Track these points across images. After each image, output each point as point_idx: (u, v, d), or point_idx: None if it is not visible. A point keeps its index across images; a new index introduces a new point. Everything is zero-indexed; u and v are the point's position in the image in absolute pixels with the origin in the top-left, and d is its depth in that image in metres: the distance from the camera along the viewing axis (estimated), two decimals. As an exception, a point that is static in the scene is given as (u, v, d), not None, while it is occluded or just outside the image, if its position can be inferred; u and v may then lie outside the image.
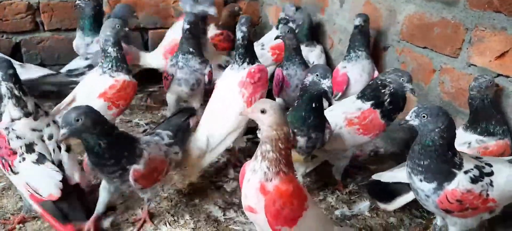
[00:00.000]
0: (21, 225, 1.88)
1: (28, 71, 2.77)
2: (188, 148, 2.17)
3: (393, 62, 2.58)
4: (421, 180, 1.62)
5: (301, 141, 1.95)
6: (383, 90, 2.07)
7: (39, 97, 2.68)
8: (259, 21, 3.96)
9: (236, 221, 1.96)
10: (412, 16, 2.40)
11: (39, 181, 1.77)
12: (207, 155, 2.20)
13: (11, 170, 1.79)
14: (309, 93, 1.89)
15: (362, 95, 2.13)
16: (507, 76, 1.94)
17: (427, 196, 1.63)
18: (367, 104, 2.10)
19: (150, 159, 1.75)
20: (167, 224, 1.91)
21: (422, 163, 1.59)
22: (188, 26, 2.50)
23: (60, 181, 1.76)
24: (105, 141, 1.63)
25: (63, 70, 2.87)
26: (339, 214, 2.03)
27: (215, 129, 2.20)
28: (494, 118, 1.93)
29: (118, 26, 2.27)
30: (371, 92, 2.11)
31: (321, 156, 2.24)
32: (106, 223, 1.91)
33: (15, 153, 1.78)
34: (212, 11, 2.87)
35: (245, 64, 2.24)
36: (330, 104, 2.55)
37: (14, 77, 1.82)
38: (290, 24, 2.99)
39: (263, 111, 1.43)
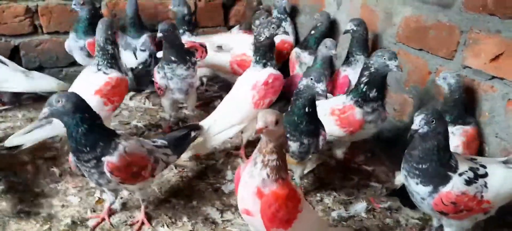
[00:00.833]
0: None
1: None
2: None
3: (390, 64, 2.59)
4: (417, 184, 1.63)
5: (293, 146, 1.96)
6: (364, 73, 2.09)
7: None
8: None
9: (233, 223, 1.97)
10: (408, 19, 2.42)
11: None
12: (206, 139, 2.33)
13: None
14: (302, 99, 1.91)
15: (351, 91, 2.17)
16: (502, 79, 1.96)
17: (422, 198, 1.65)
18: (350, 101, 2.13)
19: (126, 152, 1.76)
20: (165, 225, 1.93)
21: (420, 166, 1.61)
22: (161, 35, 2.44)
23: None
24: (84, 128, 1.67)
25: None
26: (336, 215, 2.04)
27: (220, 118, 2.35)
28: (465, 109, 2.05)
29: (113, 25, 2.36)
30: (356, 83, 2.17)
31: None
32: (105, 224, 1.93)
33: None
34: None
35: (263, 66, 2.33)
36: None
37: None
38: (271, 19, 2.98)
39: (277, 122, 1.39)
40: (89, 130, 1.69)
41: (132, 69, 3.17)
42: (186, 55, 2.57)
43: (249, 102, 2.32)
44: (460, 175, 1.60)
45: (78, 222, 1.94)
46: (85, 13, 2.92)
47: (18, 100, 3.03)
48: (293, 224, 1.50)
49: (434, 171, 1.60)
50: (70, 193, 2.13)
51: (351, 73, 2.56)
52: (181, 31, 3.00)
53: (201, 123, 2.37)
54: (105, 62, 2.33)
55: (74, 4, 2.92)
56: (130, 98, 3.17)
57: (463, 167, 1.62)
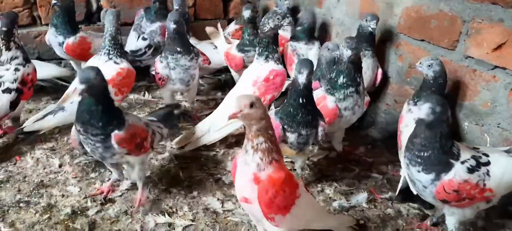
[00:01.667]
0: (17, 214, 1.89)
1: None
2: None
3: (391, 55, 2.58)
4: (419, 171, 1.63)
5: (292, 137, 1.96)
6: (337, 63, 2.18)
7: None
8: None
9: (234, 212, 1.96)
10: (409, 9, 2.41)
11: None
12: (206, 135, 2.39)
13: None
14: (295, 90, 1.90)
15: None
16: (504, 68, 1.95)
17: (424, 186, 1.64)
18: (323, 92, 2.16)
19: (130, 124, 1.84)
20: (166, 215, 1.92)
21: (422, 154, 1.60)
22: (174, 26, 2.47)
23: None
24: (104, 104, 1.76)
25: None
26: (337, 205, 2.03)
27: (221, 114, 2.38)
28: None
29: (120, 16, 2.42)
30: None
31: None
32: (106, 214, 1.92)
33: None
34: None
35: (265, 59, 2.33)
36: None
37: None
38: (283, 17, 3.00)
39: (252, 105, 1.40)
40: (108, 107, 1.77)
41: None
42: (190, 46, 2.57)
43: None
44: (463, 163, 1.59)
45: (78, 212, 1.93)
46: (64, 8, 2.91)
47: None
48: (291, 210, 1.50)
49: (436, 158, 1.59)
50: (70, 183, 2.12)
51: None
52: None
53: (204, 120, 2.46)
54: (116, 52, 2.39)
55: (55, 1, 2.90)
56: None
57: (465, 155, 1.62)
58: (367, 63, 2.51)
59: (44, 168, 2.23)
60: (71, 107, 2.21)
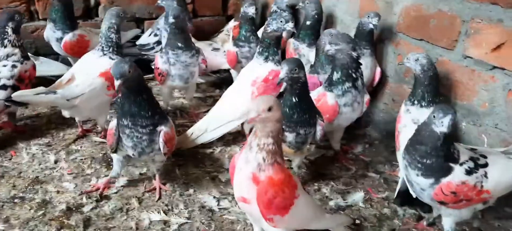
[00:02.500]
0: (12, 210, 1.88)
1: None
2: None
3: (389, 54, 2.57)
4: (418, 175, 1.62)
5: (290, 136, 1.95)
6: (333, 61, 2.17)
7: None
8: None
9: (230, 211, 1.95)
10: (408, 8, 2.39)
11: None
12: (203, 134, 2.39)
13: None
14: (289, 90, 1.89)
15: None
16: (503, 69, 1.94)
17: (422, 189, 1.64)
18: (323, 89, 2.16)
19: (172, 126, 1.95)
20: (162, 212, 1.91)
21: (425, 161, 1.58)
22: (174, 20, 2.45)
23: None
24: (146, 95, 1.83)
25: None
26: (333, 204, 2.03)
27: (219, 113, 2.39)
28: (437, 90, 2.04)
29: (121, 15, 2.39)
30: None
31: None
32: (101, 211, 1.91)
33: None
34: None
35: (265, 59, 2.33)
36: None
37: None
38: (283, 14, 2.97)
39: (270, 109, 1.39)
40: (148, 97, 1.85)
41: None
42: (191, 43, 2.55)
43: (248, 98, 2.31)
44: (461, 164, 1.58)
45: (73, 208, 1.91)
46: (62, 3, 2.90)
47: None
48: (290, 210, 1.49)
49: (439, 166, 1.58)
50: (66, 179, 2.11)
51: None
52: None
53: (201, 120, 2.47)
54: (110, 49, 2.37)
55: None
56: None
57: (463, 156, 1.61)
58: (366, 61, 2.50)
59: (40, 164, 2.22)
60: (62, 93, 2.22)
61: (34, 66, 2.44)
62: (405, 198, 1.89)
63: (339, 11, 2.97)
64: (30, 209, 1.90)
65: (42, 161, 2.25)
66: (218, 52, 3.10)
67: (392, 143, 2.27)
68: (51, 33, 2.95)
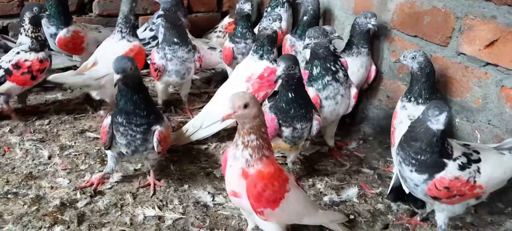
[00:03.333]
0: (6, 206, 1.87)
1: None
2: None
3: (384, 50, 2.58)
4: (411, 171, 1.62)
5: (286, 131, 1.96)
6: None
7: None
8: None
9: (225, 206, 1.95)
10: (403, 5, 2.40)
11: None
12: (198, 131, 2.38)
13: None
14: (285, 85, 1.90)
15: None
16: (496, 65, 1.96)
17: (416, 185, 1.64)
18: (305, 85, 2.15)
19: (167, 125, 1.95)
20: (156, 208, 1.91)
21: (419, 157, 1.59)
22: (163, 13, 2.44)
23: None
24: (143, 94, 1.84)
25: None
26: (327, 200, 2.03)
27: (213, 110, 2.38)
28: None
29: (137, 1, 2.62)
30: None
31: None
32: (95, 207, 1.91)
33: None
34: None
35: (260, 57, 2.35)
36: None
37: None
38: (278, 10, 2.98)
39: (246, 106, 1.41)
40: (145, 97, 1.85)
41: None
42: (187, 38, 2.55)
43: None
44: (454, 160, 1.60)
45: (67, 204, 1.91)
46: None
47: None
48: (280, 204, 1.50)
49: (433, 162, 1.59)
50: (59, 175, 2.10)
51: (349, 63, 2.49)
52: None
53: (196, 117, 2.47)
54: (128, 31, 2.57)
55: None
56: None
57: (457, 152, 1.62)
58: (362, 61, 2.51)
59: (33, 160, 2.21)
60: (89, 74, 2.47)
61: (40, 60, 2.46)
62: (399, 193, 1.90)
63: (334, 8, 2.98)
64: (23, 205, 1.88)
65: (36, 156, 2.24)
66: (214, 51, 3.09)
67: (386, 139, 2.29)
68: (45, 28, 2.92)
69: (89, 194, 1.97)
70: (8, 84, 2.43)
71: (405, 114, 2.03)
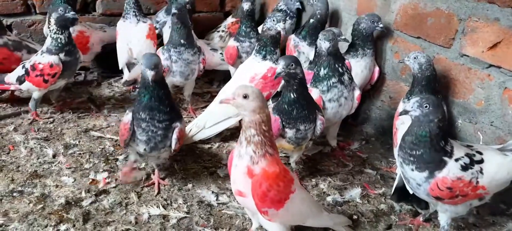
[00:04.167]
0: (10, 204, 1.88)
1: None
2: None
3: (387, 51, 2.59)
4: (412, 170, 1.64)
5: (290, 133, 1.97)
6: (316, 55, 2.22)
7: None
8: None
9: (229, 206, 1.97)
10: (406, 6, 2.41)
11: None
12: (202, 131, 2.40)
13: None
14: (287, 86, 1.91)
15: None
16: (499, 67, 1.97)
17: (418, 184, 1.66)
18: (309, 85, 2.17)
19: (185, 124, 2.04)
20: (161, 207, 1.92)
21: (414, 153, 1.61)
22: (176, 12, 2.44)
23: None
24: (165, 90, 1.89)
25: None
26: (330, 200, 2.05)
27: (216, 110, 2.39)
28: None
29: None
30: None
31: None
32: (100, 205, 1.92)
33: None
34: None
35: (263, 57, 2.35)
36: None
37: None
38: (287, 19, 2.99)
39: (245, 97, 1.44)
40: (168, 94, 1.90)
41: None
42: (193, 40, 2.57)
43: None
44: (456, 160, 1.61)
45: (73, 202, 1.92)
46: None
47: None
48: (285, 205, 1.51)
49: (429, 156, 1.60)
50: (64, 173, 2.11)
51: (353, 65, 2.49)
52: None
53: (199, 117, 2.47)
54: (140, 13, 2.87)
55: None
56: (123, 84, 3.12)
57: (459, 152, 1.63)
58: (366, 62, 2.52)
59: (38, 158, 2.22)
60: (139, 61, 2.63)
61: (50, 65, 2.40)
62: (402, 194, 1.91)
63: (337, 8, 2.98)
64: (29, 203, 1.90)
65: (40, 155, 2.25)
66: (215, 52, 3.10)
67: (388, 140, 2.30)
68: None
69: (94, 193, 1.99)
70: (27, 84, 2.48)
71: (406, 115, 2.04)
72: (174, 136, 1.91)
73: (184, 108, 2.86)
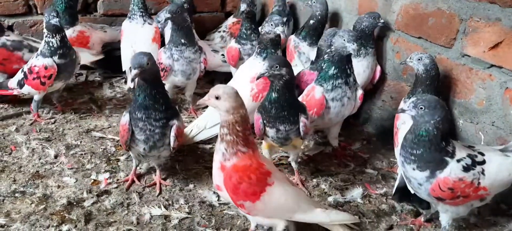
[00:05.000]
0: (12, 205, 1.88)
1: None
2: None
3: (388, 51, 2.59)
4: (414, 169, 1.64)
5: (271, 132, 1.98)
6: (324, 54, 2.18)
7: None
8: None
9: (230, 206, 1.97)
10: (407, 6, 2.41)
11: None
12: (202, 131, 2.43)
13: None
14: (272, 86, 1.91)
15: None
16: (500, 67, 1.96)
17: (419, 184, 1.66)
18: (314, 83, 2.19)
19: (183, 122, 2.01)
20: (162, 207, 1.92)
21: (415, 152, 1.62)
22: (169, 16, 2.45)
23: None
24: (160, 89, 1.88)
25: None
26: (332, 200, 2.05)
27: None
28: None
29: None
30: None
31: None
32: (102, 206, 1.92)
33: None
34: None
35: (264, 60, 2.32)
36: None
37: None
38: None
39: (217, 98, 1.50)
40: (163, 92, 1.89)
41: None
42: (194, 39, 2.57)
43: (247, 95, 2.32)
44: (458, 161, 1.61)
45: (74, 203, 1.92)
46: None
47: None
48: (261, 197, 1.54)
49: (429, 156, 1.60)
50: (66, 174, 2.12)
51: (355, 65, 2.43)
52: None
53: (200, 117, 2.48)
54: (146, 14, 2.85)
55: None
56: (125, 82, 3.13)
57: (461, 153, 1.63)
58: (368, 61, 2.52)
59: (40, 159, 2.23)
60: None
61: (45, 67, 2.41)
62: (403, 194, 1.91)
63: (338, 8, 2.99)
64: (31, 204, 1.90)
65: (42, 155, 2.25)
66: (216, 53, 3.11)
67: (389, 140, 2.30)
68: None
69: (95, 193, 1.99)
70: (26, 88, 2.49)
71: (407, 115, 2.04)
72: (172, 134, 1.91)
73: (185, 108, 2.87)
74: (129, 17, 2.89)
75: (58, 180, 2.07)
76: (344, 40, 2.06)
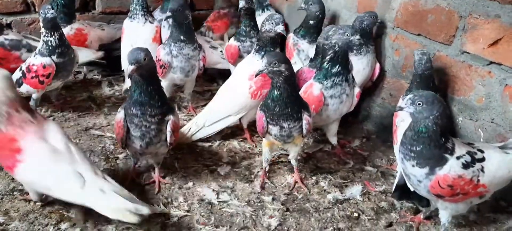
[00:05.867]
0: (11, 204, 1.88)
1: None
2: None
3: (387, 49, 2.59)
4: (413, 166, 1.64)
5: (274, 130, 1.96)
6: (328, 52, 2.14)
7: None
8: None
9: (230, 204, 1.97)
10: (406, 3, 2.41)
11: None
12: (201, 129, 2.42)
13: None
14: (273, 83, 1.90)
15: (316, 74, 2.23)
16: (500, 64, 1.96)
17: (419, 181, 1.65)
18: (313, 80, 2.18)
19: (178, 117, 2.02)
20: (161, 205, 1.92)
21: (414, 148, 1.61)
22: (170, 14, 2.46)
23: None
24: (156, 86, 1.87)
25: None
26: (331, 198, 2.05)
27: (216, 108, 2.40)
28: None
29: None
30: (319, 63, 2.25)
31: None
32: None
33: None
34: None
35: (262, 57, 2.29)
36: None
37: None
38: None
39: None
40: (159, 88, 1.89)
41: None
42: (194, 36, 2.56)
43: (246, 92, 2.32)
44: (458, 158, 1.60)
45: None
46: None
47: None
48: (15, 170, 1.72)
49: (429, 152, 1.60)
50: (65, 172, 2.11)
51: (355, 62, 2.48)
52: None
53: (198, 115, 2.47)
54: (148, 14, 2.84)
55: None
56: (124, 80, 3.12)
57: (460, 150, 1.63)
58: (368, 59, 2.52)
59: (38, 157, 2.22)
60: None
61: (43, 66, 2.39)
62: (403, 191, 1.91)
63: (336, 5, 2.98)
64: (29, 202, 1.90)
65: (41, 154, 2.25)
66: (215, 50, 3.10)
67: (389, 137, 2.30)
68: None
69: (94, 192, 1.98)
70: (25, 87, 2.47)
71: (406, 113, 2.04)
72: (168, 128, 1.91)
73: (184, 107, 2.86)
74: (130, 16, 2.87)
75: (56, 178, 2.07)
76: (347, 34, 2.08)
